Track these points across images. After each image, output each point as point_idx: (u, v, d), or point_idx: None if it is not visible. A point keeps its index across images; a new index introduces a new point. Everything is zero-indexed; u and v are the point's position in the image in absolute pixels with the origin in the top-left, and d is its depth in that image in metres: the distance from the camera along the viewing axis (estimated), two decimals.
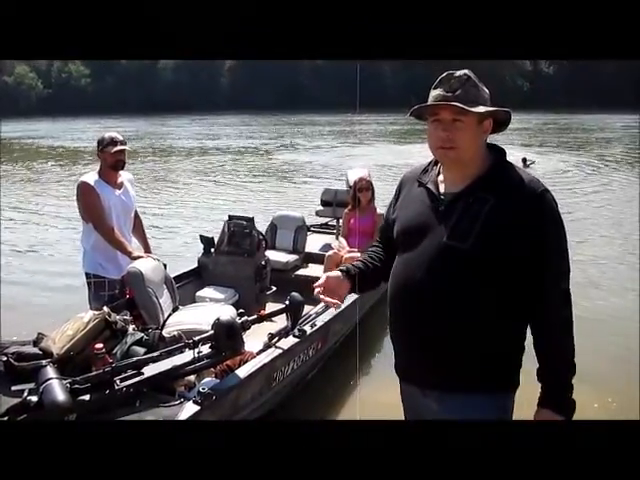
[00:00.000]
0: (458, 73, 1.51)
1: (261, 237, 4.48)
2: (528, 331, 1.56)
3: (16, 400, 2.26)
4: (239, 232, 4.41)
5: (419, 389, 1.61)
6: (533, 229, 1.44)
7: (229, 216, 4.56)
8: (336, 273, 1.67)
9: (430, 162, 1.65)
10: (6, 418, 2.22)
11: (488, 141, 1.58)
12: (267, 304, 4.21)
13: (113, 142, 3.33)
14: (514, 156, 12.92)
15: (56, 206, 10.04)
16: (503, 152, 1.58)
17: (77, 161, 16.87)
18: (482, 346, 1.49)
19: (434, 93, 1.51)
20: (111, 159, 3.34)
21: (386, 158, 15.59)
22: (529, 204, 1.44)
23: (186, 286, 4.21)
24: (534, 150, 16.54)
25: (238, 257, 4.36)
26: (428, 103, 1.51)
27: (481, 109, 1.47)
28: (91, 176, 3.37)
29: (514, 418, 1.59)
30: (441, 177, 1.59)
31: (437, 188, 1.57)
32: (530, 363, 1.54)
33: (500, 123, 1.57)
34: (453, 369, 1.52)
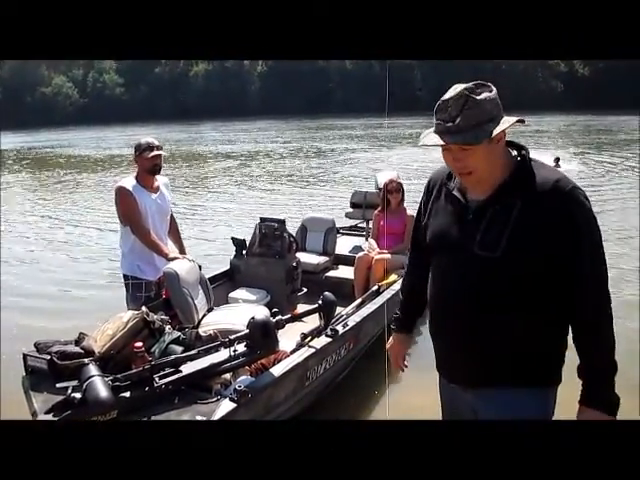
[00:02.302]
0: (453, 94, 1.40)
1: (292, 239, 4.51)
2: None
3: (60, 397, 2.35)
4: (270, 234, 4.45)
5: (460, 386, 1.63)
6: (565, 227, 1.41)
7: (260, 218, 4.61)
8: (397, 340, 1.92)
9: None
10: (51, 414, 2.31)
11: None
12: (298, 305, 4.25)
13: (149, 147, 3.42)
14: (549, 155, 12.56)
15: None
16: (525, 150, 1.52)
17: (89, 168, 17.28)
18: (522, 346, 1.49)
19: (435, 122, 1.44)
20: (148, 164, 3.42)
21: (398, 161, 15.43)
22: (558, 203, 1.41)
23: (219, 287, 4.27)
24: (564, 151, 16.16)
25: (269, 259, 4.40)
26: (429, 142, 1.43)
27: (486, 135, 1.38)
28: (129, 181, 3.47)
29: (557, 414, 1.59)
30: None
31: (463, 195, 1.54)
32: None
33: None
34: (494, 368, 1.53)
